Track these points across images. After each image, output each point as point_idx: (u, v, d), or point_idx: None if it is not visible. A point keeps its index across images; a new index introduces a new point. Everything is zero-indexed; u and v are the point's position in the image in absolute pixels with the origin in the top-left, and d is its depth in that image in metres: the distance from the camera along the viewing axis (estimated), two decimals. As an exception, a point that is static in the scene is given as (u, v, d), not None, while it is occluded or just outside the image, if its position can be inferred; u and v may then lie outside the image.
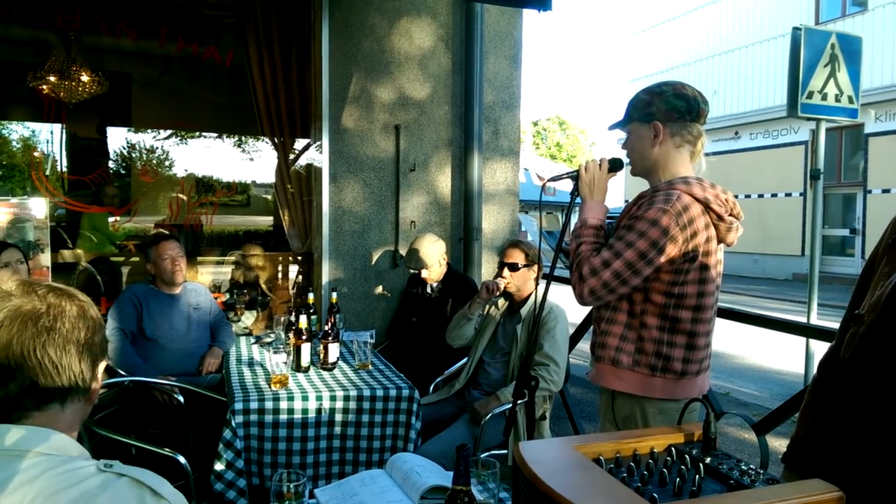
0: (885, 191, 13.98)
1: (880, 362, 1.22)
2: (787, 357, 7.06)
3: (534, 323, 1.99)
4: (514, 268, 3.05)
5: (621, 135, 1.96)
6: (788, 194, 16.12)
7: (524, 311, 3.07)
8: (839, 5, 15.32)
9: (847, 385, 1.28)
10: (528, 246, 3.12)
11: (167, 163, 7.92)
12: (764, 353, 7.41)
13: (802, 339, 4.95)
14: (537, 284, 3.03)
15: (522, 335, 3.00)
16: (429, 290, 3.76)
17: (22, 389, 0.97)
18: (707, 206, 1.75)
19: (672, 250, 1.72)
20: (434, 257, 3.61)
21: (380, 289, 4.33)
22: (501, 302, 3.24)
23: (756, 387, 6.06)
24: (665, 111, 1.82)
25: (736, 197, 1.87)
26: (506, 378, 3.03)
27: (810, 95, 4.69)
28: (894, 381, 1.19)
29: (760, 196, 16.72)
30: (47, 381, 0.98)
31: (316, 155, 4.49)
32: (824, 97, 4.73)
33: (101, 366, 1.10)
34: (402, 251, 4.28)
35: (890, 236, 1.33)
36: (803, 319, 4.73)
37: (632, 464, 1.22)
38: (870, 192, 14.36)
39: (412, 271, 3.81)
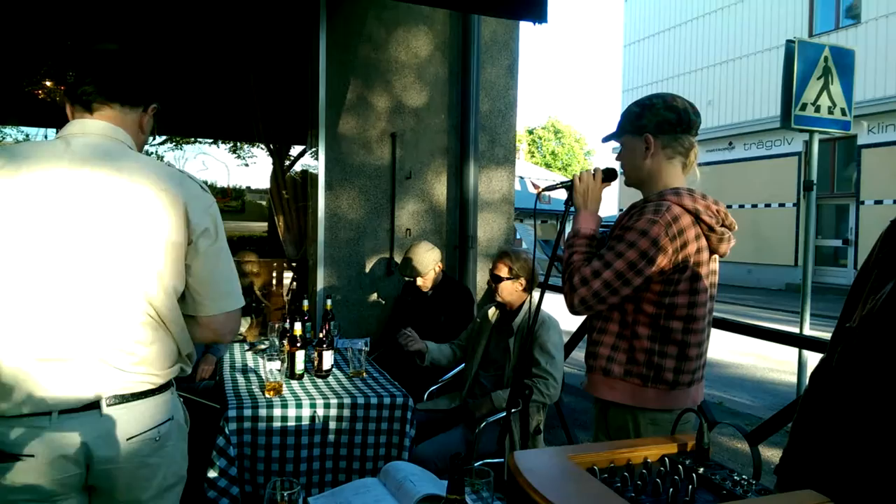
0: (878, 202, 14.09)
1: (872, 374, 1.23)
2: (780, 367, 7.09)
3: (528, 334, 1.99)
4: (496, 279, 3.04)
5: (617, 144, 1.97)
6: (782, 205, 16.22)
7: (516, 322, 3.03)
8: (832, 18, 15.48)
9: (839, 397, 1.29)
10: (515, 258, 3.06)
11: (162, 168, 7.89)
12: (757, 362, 7.44)
13: (795, 349, 4.97)
14: (529, 295, 3.04)
15: (515, 350, 2.97)
16: (424, 296, 3.76)
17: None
18: (697, 217, 1.76)
19: (662, 260, 1.73)
20: (428, 265, 3.62)
21: (374, 296, 4.33)
22: (492, 312, 3.22)
23: (749, 397, 6.08)
24: (656, 123, 1.84)
25: (729, 207, 1.88)
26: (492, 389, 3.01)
27: (804, 107, 4.73)
28: (886, 393, 1.20)
29: (754, 206, 16.81)
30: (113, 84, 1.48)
31: (312, 161, 4.50)
32: (817, 109, 4.77)
33: (151, 109, 1.56)
34: (398, 259, 4.28)
35: (881, 249, 1.34)
36: (796, 329, 4.75)
37: (626, 474, 1.22)
38: (862, 202, 14.47)
39: (407, 279, 3.81)
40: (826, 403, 1.33)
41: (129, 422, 1.43)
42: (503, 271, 3.04)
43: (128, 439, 1.42)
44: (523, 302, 3.07)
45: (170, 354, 1.51)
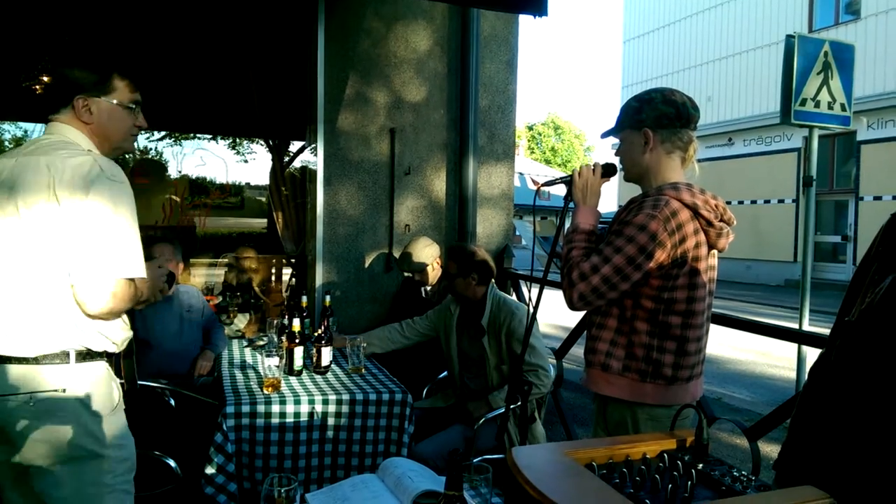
0: (877, 198, 14.07)
1: (870, 368, 1.23)
2: (779, 362, 7.09)
3: (527, 329, 1.98)
4: (448, 277, 3.03)
5: (616, 140, 1.97)
6: (781, 201, 16.21)
7: (485, 321, 2.95)
8: (832, 13, 15.44)
9: (837, 392, 1.29)
10: (462, 253, 3.03)
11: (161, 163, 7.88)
12: (756, 358, 7.44)
13: (794, 345, 4.97)
14: (486, 288, 2.98)
15: (491, 348, 2.92)
16: (423, 293, 3.76)
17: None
18: (696, 212, 1.76)
19: (660, 255, 1.73)
20: (428, 260, 3.61)
21: (373, 292, 4.32)
22: (454, 307, 3.15)
23: (748, 392, 6.08)
24: (654, 118, 1.83)
25: (729, 203, 1.87)
26: (487, 389, 2.99)
27: (803, 103, 4.72)
28: (884, 387, 1.20)
29: (753, 202, 16.80)
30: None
31: (311, 157, 4.49)
32: (817, 105, 4.76)
33: (78, 101, 1.71)
34: (397, 255, 4.27)
35: (880, 243, 1.34)
36: (795, 325, 4.75)
37: (624, 470, 1.22)
38: (861, 198, 14.46)
39: (406, 274, 3.80)
40: (825, 398, 1.33)
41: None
42: (452, 268, 3.00)
43: None
44: (484, 296, 3.00)
45: (54, 328, 1.61)
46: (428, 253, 3.63)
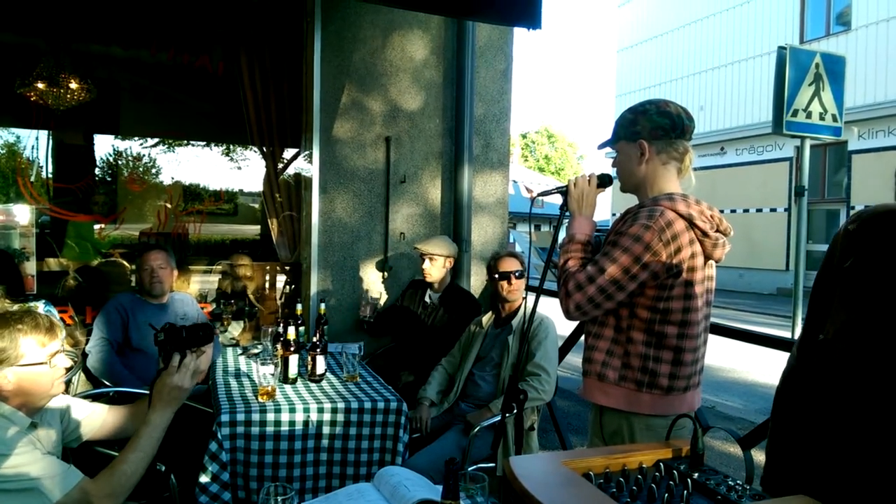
0: (868, 207, 14.17)
1: (850, 383, 1.22)
2: (772, 371, 7.11)
3: (523, 336, 1.99)
4: (507, 277, 3.12)
5: (611, 150, 1.98)
6: (773, 210, 16.31)
7: (515, 321, 3.09)
8: (823, 24, 15.60)
9: (825, 411, 1.28)
10: (519, 255, 3.20)
11: (154, 171, 7.86)
12: (749, 367, 7.47)
13: (787, 354, 4.99)
14: (526, 296, 3.06)
15: (514, 345, 3.01)
16: (427, 299, 3.74)
17: None
18: (691, 222, 1.77)
19: (655, 266, 1.74)
20: (441, 252, 3.61)
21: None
22: (487, 318, 3.24)
23: (741, 401, 6.10)
24: (650, 129, 1.84)
25: (721, 212, 1.88)
26: (496, 389, 3.03)
27: (795, 113, 4.77)
28: (869, 398, 1.20)
29: (746, 211, 16.89)
30: None
31: (305, 165, 4.49)
32: (809, 115, 4.81)
33: None
34: (392, 263, 4.28)
35: (853, 255, 1.32)
36: (788, 334, 4.77)
37: (621, 479, 1.22)
38: (853, 207, 14.55)
39: (410, 287, 3.77)
40: (801, 411, 1.32)
41: None
42: (518, 265, 3.13)
43: None
44: (521, 302, 3.12)
45: None
46: (444, 248, 3.64)
